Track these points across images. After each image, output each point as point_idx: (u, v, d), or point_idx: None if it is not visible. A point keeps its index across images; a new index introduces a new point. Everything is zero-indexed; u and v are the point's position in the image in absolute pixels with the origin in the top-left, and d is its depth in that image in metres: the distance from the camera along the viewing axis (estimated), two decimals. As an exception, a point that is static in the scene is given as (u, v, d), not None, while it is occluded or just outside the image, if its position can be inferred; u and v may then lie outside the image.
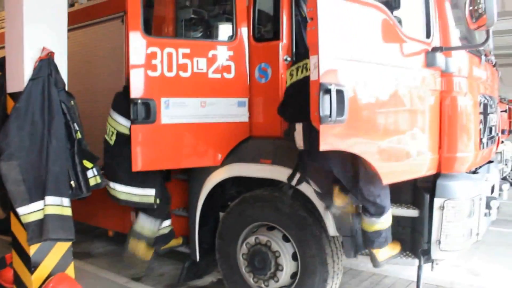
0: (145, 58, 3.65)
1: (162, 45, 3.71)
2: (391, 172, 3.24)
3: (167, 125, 3.75)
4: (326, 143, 2.75)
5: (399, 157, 3.31)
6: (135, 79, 3.64)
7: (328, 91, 2.64)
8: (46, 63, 3.63)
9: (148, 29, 4.10)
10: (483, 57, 3.92)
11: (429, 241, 3.42)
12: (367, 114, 3.05)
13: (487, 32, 3.21)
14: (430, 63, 3.35)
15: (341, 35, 2.85)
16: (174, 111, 3.75)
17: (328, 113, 2.64)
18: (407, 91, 3.29)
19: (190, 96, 3.82)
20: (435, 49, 3.36)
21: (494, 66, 4.64)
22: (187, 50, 3.77)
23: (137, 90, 3.64)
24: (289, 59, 3.81)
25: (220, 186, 4.21)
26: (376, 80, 3.08)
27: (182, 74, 3.75)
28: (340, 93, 2.70)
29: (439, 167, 3.47)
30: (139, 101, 3.62)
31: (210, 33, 4.45)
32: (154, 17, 4.57)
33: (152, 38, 3.75)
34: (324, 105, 2.64)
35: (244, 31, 4.01)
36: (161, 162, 3.93)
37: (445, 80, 3.46)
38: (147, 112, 3.64)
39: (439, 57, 3.36)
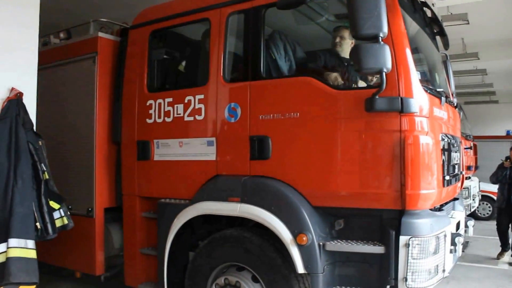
0: (144, 108, 4.60)
1: (155, 97, 4.55)
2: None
3: (157, 161, 4.55)
4: None
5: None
6: (137, 125, 4.66)
7: None
8: (15, 103, 3.65)
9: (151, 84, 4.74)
10: (443, 99, 4.07)
11: (396, 278, 3.43)
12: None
13: None
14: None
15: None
16: (162, 150, 4.53)
17: None
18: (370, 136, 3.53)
19: (172, 137, 4.43)
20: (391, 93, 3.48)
21: (455, 107, 4.81)
22: (171, 99, 4.43)
23: (139, 134, 4.66)
24: None
25: (190, 225, 4.19)
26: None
27: (167, 119, 4.45)
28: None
29: (403, 204, 3.53)
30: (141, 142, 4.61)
31: (186, 79, 4.77)
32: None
33: (150, 93, 4.63)
34: None
35: (214, 73, 4.11)
36: (153, 191, 4.63)
37: (407, 120, 3.54)
38: (145, 151, 4.55)
39: (395, 100, 3.47)
